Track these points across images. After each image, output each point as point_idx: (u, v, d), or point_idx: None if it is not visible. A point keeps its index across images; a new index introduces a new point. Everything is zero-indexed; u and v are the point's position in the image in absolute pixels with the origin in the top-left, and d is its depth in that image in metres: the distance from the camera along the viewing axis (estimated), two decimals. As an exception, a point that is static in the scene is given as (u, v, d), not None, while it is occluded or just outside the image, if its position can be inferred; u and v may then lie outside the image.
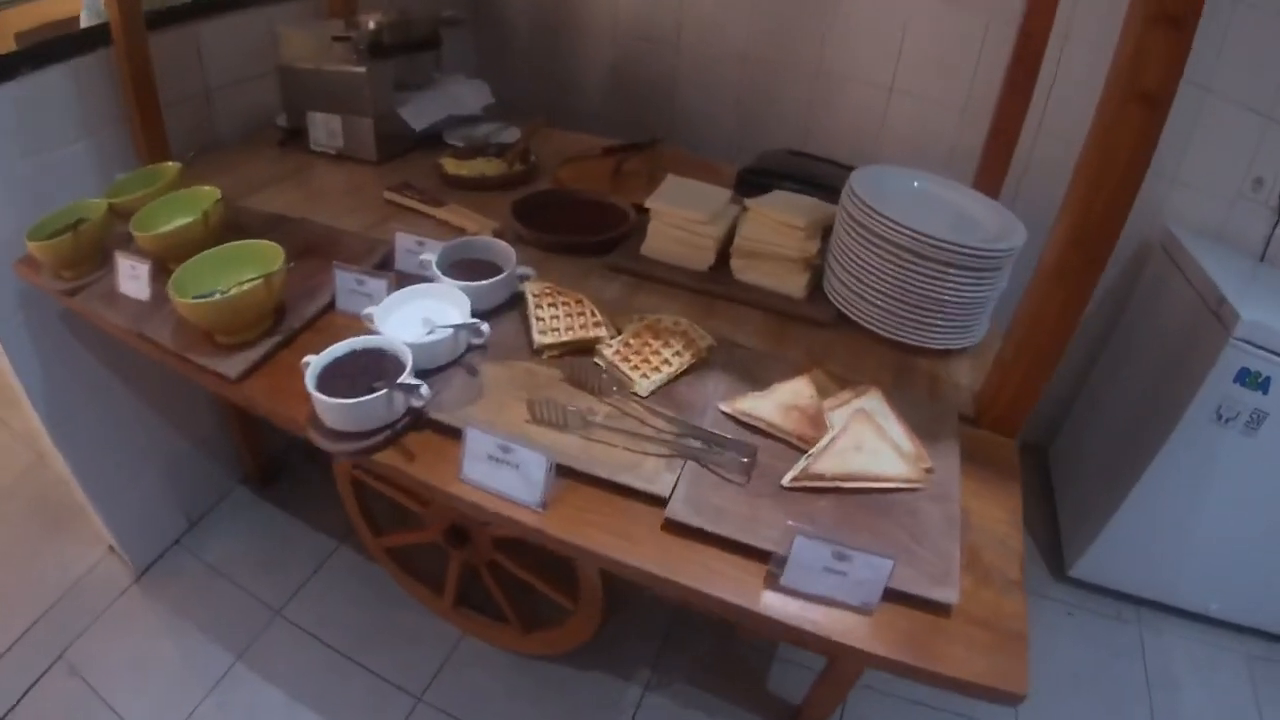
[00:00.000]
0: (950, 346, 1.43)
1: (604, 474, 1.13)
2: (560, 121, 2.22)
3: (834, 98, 2.38)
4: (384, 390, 1.14)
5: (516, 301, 1.42)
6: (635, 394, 1.25)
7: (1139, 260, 2.19)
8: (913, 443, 1.20)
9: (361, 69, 1.83)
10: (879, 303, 1.40)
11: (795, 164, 1.93)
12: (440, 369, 1.28)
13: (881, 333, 1.43)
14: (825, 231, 1.54)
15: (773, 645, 2.01)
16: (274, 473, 2.32)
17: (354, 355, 1.23)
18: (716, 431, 1.18)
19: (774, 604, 1.03)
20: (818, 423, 1.20)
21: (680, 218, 1.53)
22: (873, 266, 1.38)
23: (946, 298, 1.35)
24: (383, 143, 1.92)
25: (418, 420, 1.21)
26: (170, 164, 1.64)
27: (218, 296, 1.27)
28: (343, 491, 1.85)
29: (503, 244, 1.47)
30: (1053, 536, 2.34)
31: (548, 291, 1.37)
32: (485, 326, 1.29)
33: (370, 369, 1.20)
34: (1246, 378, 1.73)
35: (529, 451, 1.09)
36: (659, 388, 1.27)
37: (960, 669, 0.97)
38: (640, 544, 1.08)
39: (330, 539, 2.16)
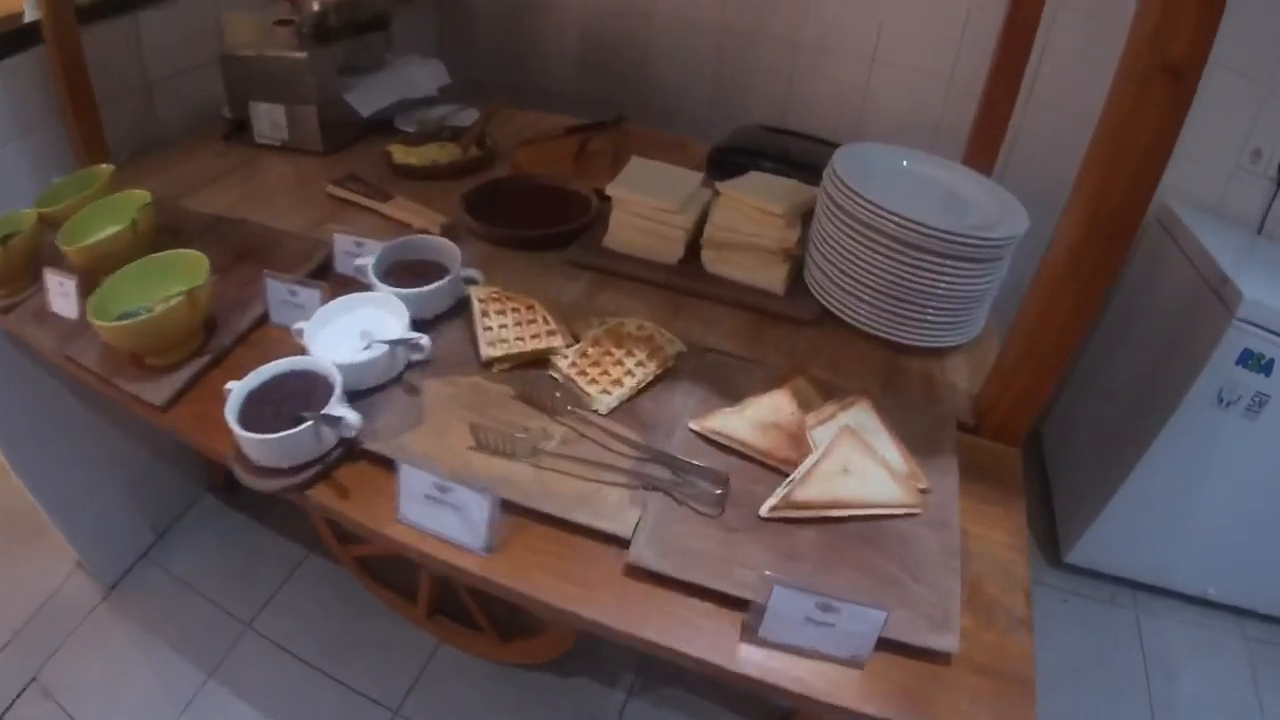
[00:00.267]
0: (945, 345, 1.24)
1: (557, 511, 0.96)
2: (526, 101, 2.03)
3: (814, 70, 2.19)
4: (309, 423, 0.97)
5: (464, 307, 1.22)
6: (594, 411, 1.06)
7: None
8: (907, 460, 1.03)
9: (303, 54, 1.64)
10: (866, 297, 1.22)
11: (771, 141, 1.74)
12: (377, 389, 1.10)
13: (869, 330, 1.25)
14: (806, 217, 1.35)
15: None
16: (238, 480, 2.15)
17: (280, 380, 1.06)
18: (686, 459, 1.00)
19: (752, 659, 0.87)
20: (800, 442, 1.02)
21: (646, 206, 1.35)
22: (859, 257, 1.20)
23: (941, 291, 1.18)
24: (329, 132, 1.73)
25: (351, 450, 1.04)
26: (103, 167, 1.45)
27: (142, 316, 1.10)
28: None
29: (447, 243, 1.28)
30: (1047, 522, 2.21)
31: (495, 297, 1.18)
32: (425, 340, 1.11)
33: (299, 395, 1.03)
34: (1249, 360, 1.61)
35: (469, 492, 0.91)
36: (621, 404, 1.09)
37: None
38: (598, 591, 0.91)
39: (300, 546, 2.03)
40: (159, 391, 1.12)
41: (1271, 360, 1.59)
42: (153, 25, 1.70)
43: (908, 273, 1.17)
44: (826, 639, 0.86)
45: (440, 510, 0.94)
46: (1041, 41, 1.71)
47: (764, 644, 0.88)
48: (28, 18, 1.48)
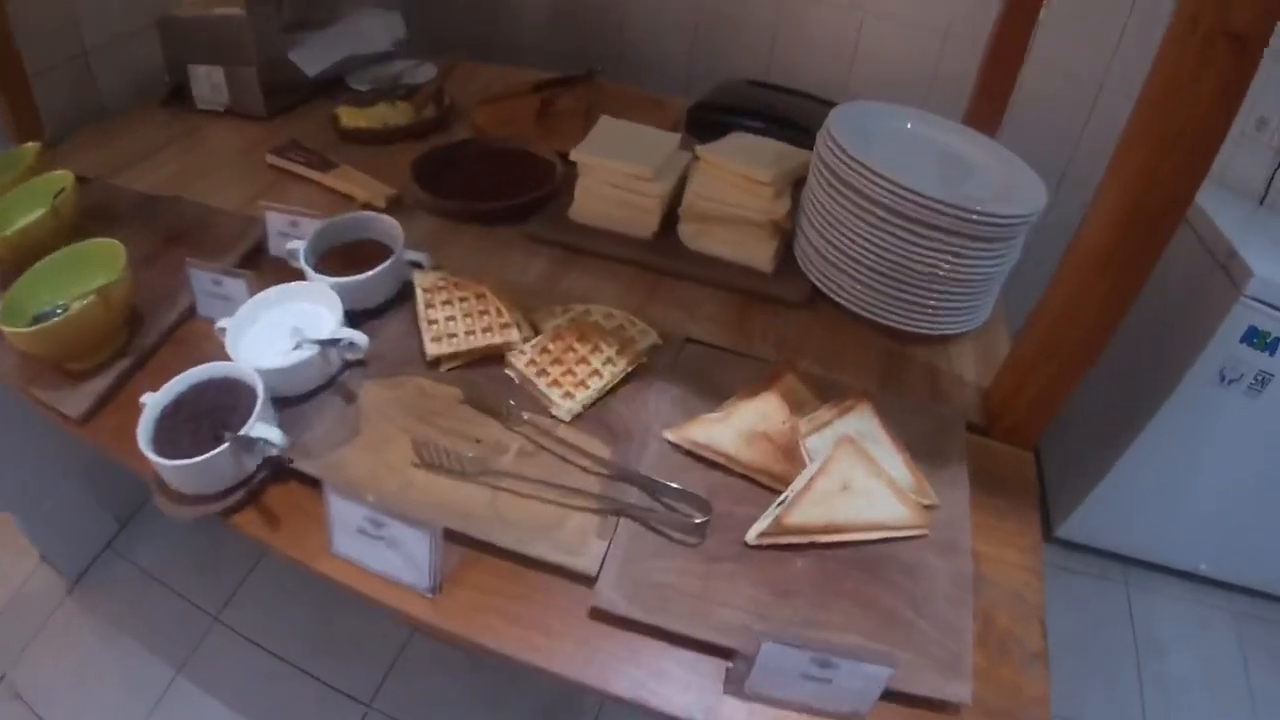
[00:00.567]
0: (951, 332, 1.07)
1: (512, 544, 0.79)
2: (493, 56, 1.81)
3: (802, 20, 1.96)
4: (225, 446, 0.80)
5: (410, 294, 1.04)
6: (555, 418, 0.89)
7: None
8: (912, 473, 0.87)
9: (239, 11, 1.43)
10: (864, 278, 1.05)
11: (757, 97, 1.53)
12: (310, 394, 0.93)
13: (867, 315, 1.07)
14: (797, 185, 1.16)
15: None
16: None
17: (199, 390, 0.88)
18: (662, 480, 0.82)
19: (735, 716, 0.73)
20: (792, 455, 0.86)
21: (616, 172, 1.16)
22: (856, 232, 1.03)
23: (948, 272, 1.01)
24: (272, 94, 1.52)
25: (279, 471, 0.87)
26: (29, 146, 1.25)
27: (55, 319, 0.92)
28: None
29: (389, 221, 1.09)
30: (1038, 495, 2.04)
31: (442, 285, 1.00)
32: (361, 339, 0.92)
33: (220, 407, 0.86)
34: (1255, 338, 1.49)
35: (407, 528, 0.74)
36: (586, 409, 0.91)
37: None
38: (560, 640, 0.76)
39: None
40: (76, 402, 0.94)
41: (1278, 339, 1.48)
42: (88, -13, 1.47)
43: (911, 251, 1.00)
44: (822, 694, 0.72)
45: (378, 546, 0.78)
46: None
47: (751, 698, 0.74)
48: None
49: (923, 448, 0.91)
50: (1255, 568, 1.87)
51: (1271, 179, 1.66)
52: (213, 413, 0.85)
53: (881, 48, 1.89)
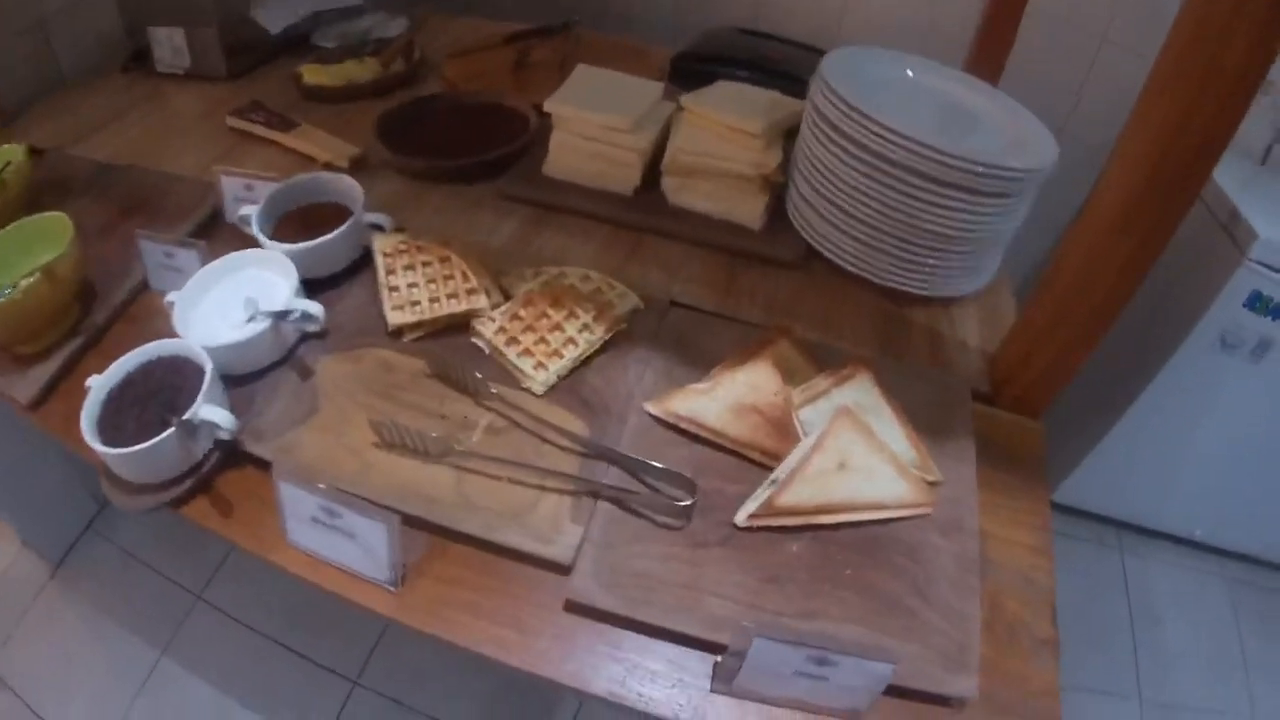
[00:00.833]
0: (954, 294, 0.99)
1: (480, 531, 0.72)
2: (470, 8, 1.68)
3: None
4: (170, 431, 0.72)
5: (370, 259, 0.95)
6: (527, 391, 0.81)
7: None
8: (915, 447, 0.80)
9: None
10: (862, 235, 0.97)
11: (745, 45, 1.43)
12: (264, 371, 0.85)
13: (865, 275, 0.99)
14: (788, 137, 1.07)
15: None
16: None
17: (146, 371, 0.81)
18: (643, 459, 0.74)
19: (725, 715, 0.66)
20: (785, 429, 0.78)
21: (592, 124, 1.06)
22: (853, 186, 0.94)
23: (952, 231, 0.92)
24: (234, 54, 1.41)
25: (232, 454, 0.79)
26: None
27: (3, 298, 0.83)
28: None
29: (348, 181, 1.00)
30: (1043, 465, 2.01)
31: (403, 248, 0.91)
32: (317, 310, 0.84)
33: (168, 388, 0.78)
34: (1258, 303, 1.43)
35: (362, 517, 0.66)
36: (560, 380, 0.83)
37: None
38: (534, 636, 0.69)
39: None
40: (25, 387, 0.87)
41: None
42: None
43: (914, 206, 0.92)
44: (819, 691, 0.66)
45: (334, 537, 0.71)
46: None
47: (742, 695, 0.67)
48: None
49: (926, 419, 0.83)
50: (1250, 534, 1.84)
51: (1274, 139, 1.57)
52: (160, 394, 0.78)
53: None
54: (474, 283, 0.88)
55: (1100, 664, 1.67)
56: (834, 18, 1.82)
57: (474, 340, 0.87)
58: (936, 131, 0.89)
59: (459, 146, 1.16)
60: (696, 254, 1.06)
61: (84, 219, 0.94)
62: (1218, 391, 1.57)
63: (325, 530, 0.71)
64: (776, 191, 1.09)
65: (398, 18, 1.58)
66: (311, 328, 0.87)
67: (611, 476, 0.76)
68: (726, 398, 0.79)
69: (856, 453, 0.76)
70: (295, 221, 0.97)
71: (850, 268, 1.00)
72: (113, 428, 0.75)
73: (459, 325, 0.88)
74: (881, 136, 0.89)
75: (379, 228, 0.96)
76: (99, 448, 0.73)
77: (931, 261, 0.96)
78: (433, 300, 0.87)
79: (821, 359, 0.88)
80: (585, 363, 0.86)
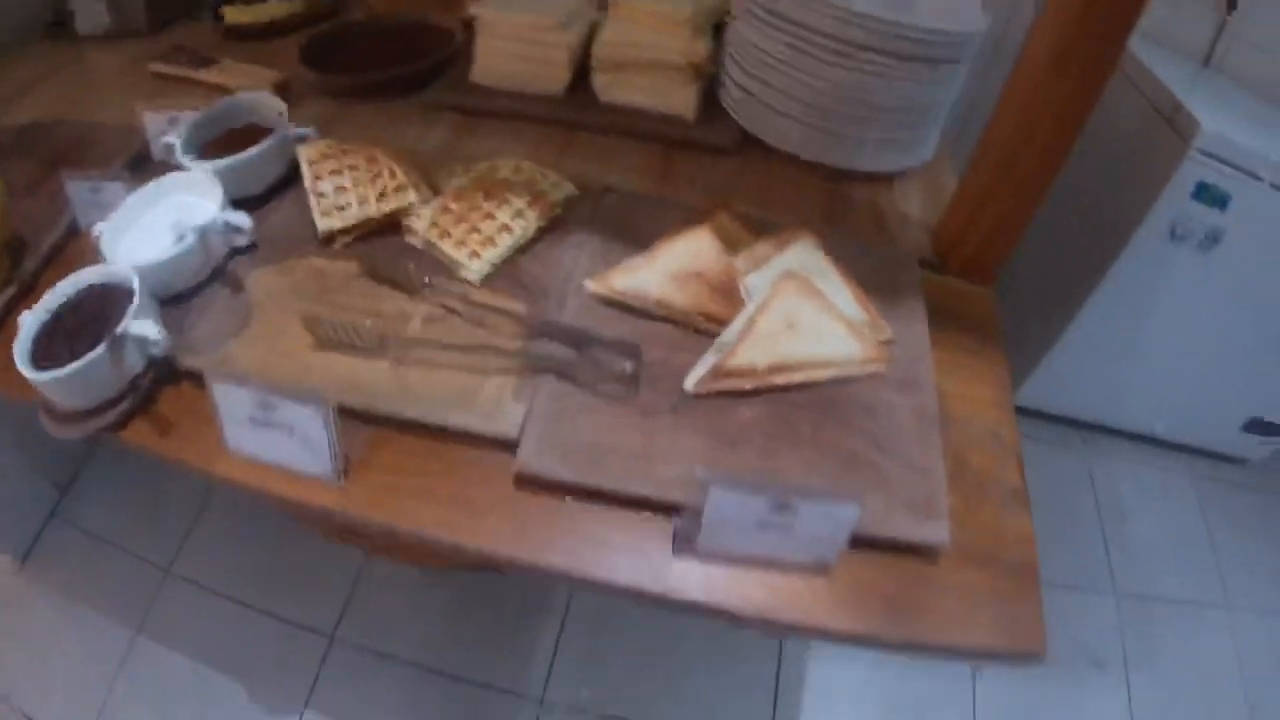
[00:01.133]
0: (894, 169, 0.98)
1: (422, 416, 0.70)
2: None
3: None
4: (100, 349, 0.70)
5: (299, 174, 0.92)
6: (464, 281, 0.78)
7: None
8: (864, 307, 0.79)
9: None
10: (797, 114, 0.96)
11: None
12: (195, 290, 0.82)
13: (802, 155, 0.97)
14: (718, 25, 1.05)
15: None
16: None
17: (77, 302, 0.78)
18: (582, 327, 0.73)
19: (691, 579, 0.66)
20: (729, 294, 0.77)
21: (519, 24, 1.04)
22: (786, 65, 0.93)
23: (893, 102, 0.91)
24: (155, 6, 1.37)
25: (169, 372, 0.77)
26: None
27: None
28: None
29: (269, 98, 0.97)
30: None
31: (329, 153, 0.88)
32: (243, 220, 0.82)
33: (99, 316, 0.76)
34: (1204, 194, 1.45)
35: (296, 406, 0.64)
36: (497, 268, 0.81)
37: (958, 633, 0.65)
38: (485, 515, 0.68)
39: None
40: None
41: (1227, 195, 1.43)
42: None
43: (852, 80, 0.90)
44: (784, 544, 0.65)
45: (272, 434, 0.68)
46: None
47: (705, 557, 0.66)
48: None
49: (873, 282, 0.83)
50: (1210, 429, 1.88)
51: (1216, 39, 1.62)
52: (93, 323, 0.75)
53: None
54: (402, 179, 0.85)
55: (1072, 560, 1.70)
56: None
57: (408, 239, 0.84)
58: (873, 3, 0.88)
59: (385, 64, 1.13)
60: (631, 146, 1.05)
61: (10, 178, 0.93)
62: (1169, 284, 1.59)
63: (263, 430, 0.68)
64: (707, 81, 1.08)
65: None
66: (240, 241, 0.84)
67: (554, 352, 0.74)
68: (667, 267, 0.78)
69: (804, 313, 0.75)
70: (220, 148, 0.94)
71: (786, 148, 0.99)
72: (46, 359, 0.73)
73: (391, 227, 0.86)
74: (818, 10, 0.87)
75: (304, 138, 0.93)
76: (33, 375, 0.70)
77: (874, 135, 0.95)
78: (361, 202, 0.84)
79: (763, 231, 0.86)
80: (522, 251, 0.84)
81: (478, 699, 1.44)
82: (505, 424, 0.69)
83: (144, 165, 1.02)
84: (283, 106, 0.95)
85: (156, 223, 0.84)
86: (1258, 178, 1.38)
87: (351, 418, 0.70)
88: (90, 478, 1.81)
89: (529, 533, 0.66)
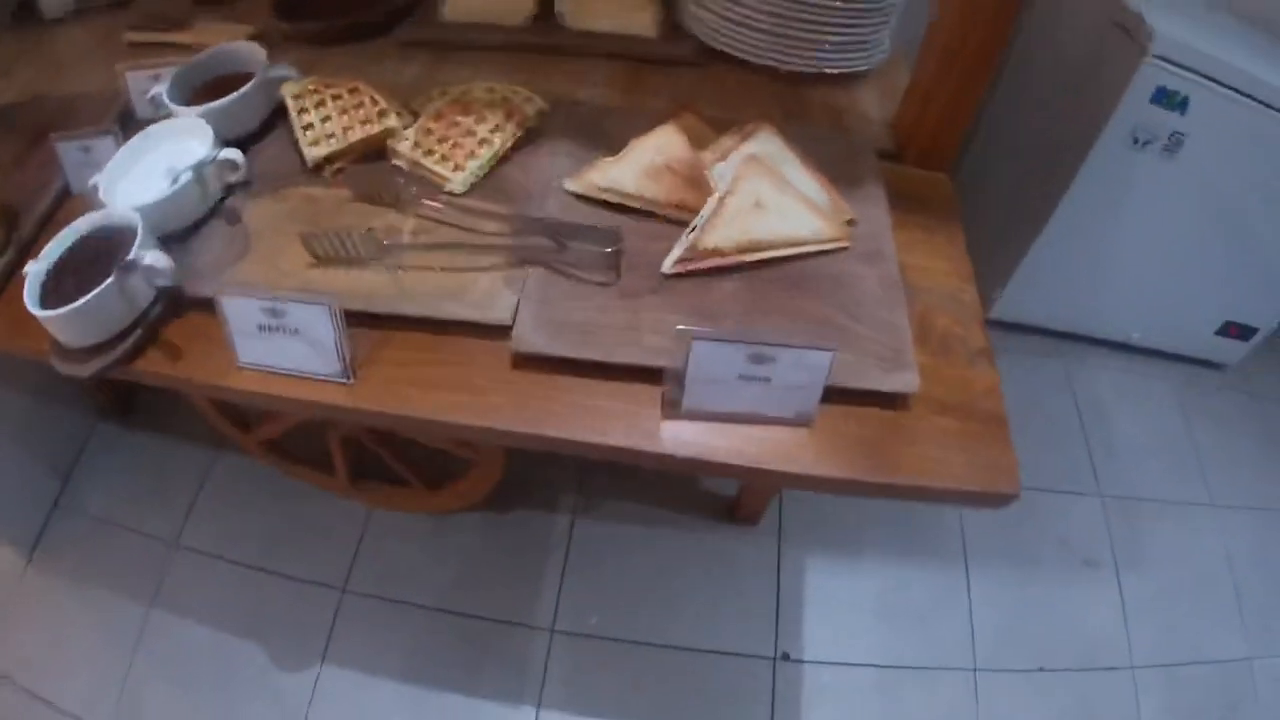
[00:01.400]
0: (849, 69, 1.04)
1: (420, 311, 0.76)
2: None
3: None
4: (110, 280, 0.74)
5: (284, 113, 0.97)
6: (449, 194, 0.84)
7: (1026, -29, 1.80)
8: (826, 191, 0.85)
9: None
10: (753, 22, 1.02)
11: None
12: (194, 226, 0.87)
13: (760, 61, 1.04)
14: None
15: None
16: (129, 399, 1.92)
17: (80, 246, 0.82)
18: (564, 219, 0.79)
19: (680, 437, 0.72)
20: (698, 182, 0.83)
21: (483, -39, 1.08)
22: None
23: (840, 3, 0.96)
24: None
25: (176, 303, 0.82)
26: None
27: None
28: (197, 398, 1.48)
29: (249, 46, 1.02)
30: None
31: (312, 88, 0.94)
32: (237, 155, 0.87)
33: (104, 256, 0.80)
34: (1164, 98, 1.47)
35: (303, 306, 0.70)
36: (480, 179, 0.87)
37: (935, 475, 0.72)
38: (486, 394, 0.74)
39: (206, 450, 1.81)
40: None
41: (1187, 98, 1.46)
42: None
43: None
44: (765, 398, 0.71)
45: (282, 341, 0.74)
46: None
47: (692, 416, 0.72)
48: None
49: (834, 170, 0.89)
50: (1185, 335, 1.91)
51: None
52: (97, 262, 0.79)
53: None
54: (384, 104, 0.90)
55: (1055, 463, 1.74)
56: None
57: (393, 162, 0.90)
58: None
59: (356, 8, 1.18)
60: (598, 65, 1.10)
61: (-4, 156, 0.94)
62: (1135, 191, 1.62)
63: (272, 337, 0.73)
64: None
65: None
66: (234, 177, 0.89)
67: (539, 244, 0.80)
68: (639, 162, 0.84)
69: (769, 193, 0.81)
70: (206, 96, 0.98)
71: (745, 56, 1.05)
72: (56, 300, 0.76)
73: (376, 153, 0.91)
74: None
75: (286, 78, 0.98)
76: (44, 314, 0.74)
77: (831, 36, 1.01)
78: (346, 129, 0.89)
79: (725, 129, 0.92)
80: (501, 161, 0.89)
81: (490, 634, 1.48)
82: (499, 311, 0.75)
83: (130, 127, 1.04)
84: (263, 53, 1.00)
85: (151, 170, 0.88)
86: (1215, 80, 1.41)
87: (355, 323, 0.74)
88: (92, 466, 1.83)
89: (528, 406, 0.72)
